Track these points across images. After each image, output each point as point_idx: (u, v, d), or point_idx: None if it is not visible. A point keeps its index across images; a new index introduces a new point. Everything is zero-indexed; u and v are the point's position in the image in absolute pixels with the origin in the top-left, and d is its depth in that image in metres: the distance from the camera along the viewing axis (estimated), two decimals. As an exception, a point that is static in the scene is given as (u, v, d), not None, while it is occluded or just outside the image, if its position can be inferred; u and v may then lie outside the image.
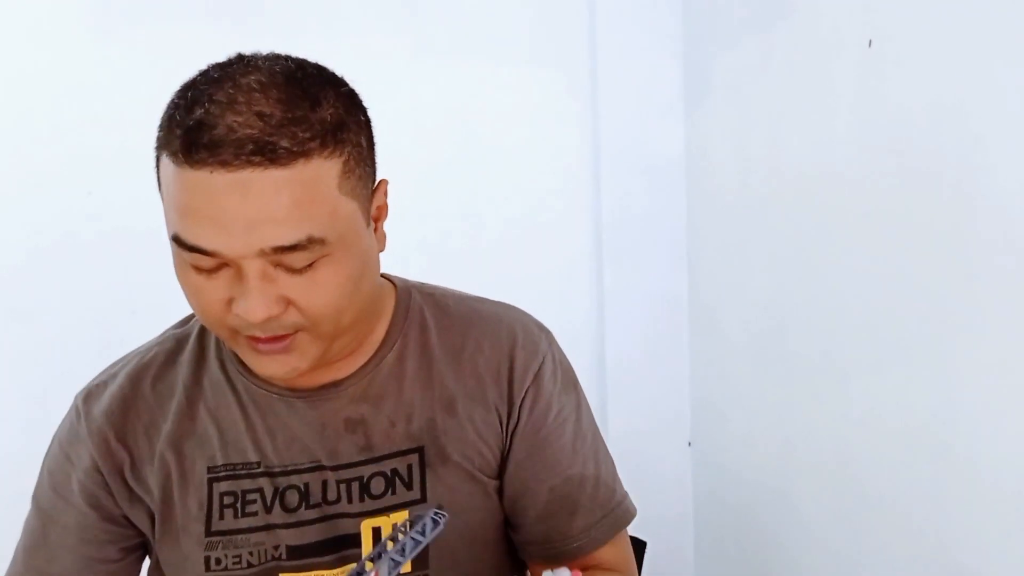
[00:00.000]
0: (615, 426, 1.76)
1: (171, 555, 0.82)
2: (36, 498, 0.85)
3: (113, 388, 0.84)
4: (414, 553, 0.70)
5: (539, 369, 0.86)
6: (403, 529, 0.72)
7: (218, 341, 0.84)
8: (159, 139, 0.69)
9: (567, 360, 0.92)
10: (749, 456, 1.64)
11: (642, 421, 1.79)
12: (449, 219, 1.69)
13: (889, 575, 1.24)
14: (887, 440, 1.23)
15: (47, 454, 0.86)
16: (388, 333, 0.85)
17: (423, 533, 0.71)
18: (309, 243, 0.68)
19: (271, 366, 0.74)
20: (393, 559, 0.69)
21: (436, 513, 0.72)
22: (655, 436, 1.80)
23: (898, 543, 1.22)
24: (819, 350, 1.38)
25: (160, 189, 0.71)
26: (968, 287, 1.06)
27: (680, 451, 1.82)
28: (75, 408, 0.85)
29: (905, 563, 1.20)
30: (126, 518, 0.83)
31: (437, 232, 1.67)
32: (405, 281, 0.90)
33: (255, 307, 0.68)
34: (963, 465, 1.09)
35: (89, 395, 0.85)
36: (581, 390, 0.92)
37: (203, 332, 0.86)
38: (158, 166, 0.70)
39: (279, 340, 0.72)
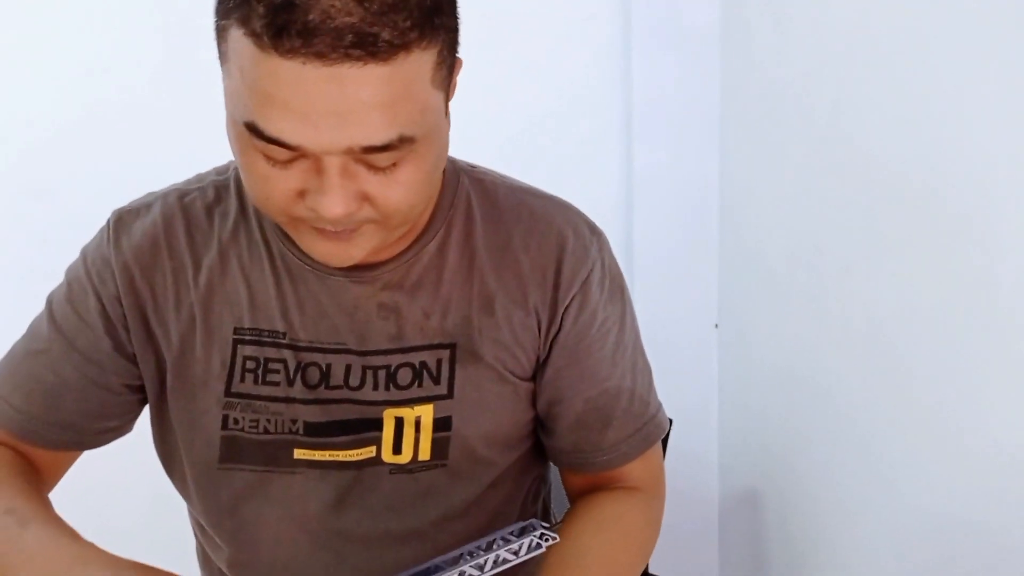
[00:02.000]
0: (641, 307, 1.74)
1: (186, 408, 0.81)
2: (51, 305, 0.83)
3: (146, 223, 0.81)
4: (495, 571, 0.66)
5: (587, 277, 0.83)
6: (503, 536, 0.68)
7: None
8: (227, 7, 0.62)
9: (617, 266, 0.88)
10: (776, 338, 1.62)
11: (669, 302, 1.77)
12: (470, 93, 1.63)
13: (920, 454, 1.24)
14: (920, 322, 1.21)
15: (72, 265, 0.83)
16: (432, 219, 0.82)
17: (517, 552, 0.67)
18: (400, 143, 0.64)
19: (331, 251, 0.71)
20: (465, 572, 0.66)
21: (544, 535, 0.68)
22: (681, 317, 1.79)
23: (931, 422, 1.21)
24: (854, 230, 1.34)
25: (224, 62, 0.64)
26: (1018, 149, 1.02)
27: (706, 333, 1.81)
28: (107, 228, 0.82)
29: (939, 440, 1.19)
30: (135, 357, 0.81)
31: (457, 106, 1.62)
32: (454, 162, 0.86)
33: (334, 204, 0.65)
34: (1001, 337, 1.06)
35: (121, 220, 0.82)
36: (628, 298, 0.89)
37: (242, 187, 0.82)
38: (224, 36, 0.63)
39: (345, 229, 0.69)
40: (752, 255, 1.68)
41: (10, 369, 0.82)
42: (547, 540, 0.68)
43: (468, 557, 0.67)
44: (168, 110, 1.50)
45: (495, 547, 0.67)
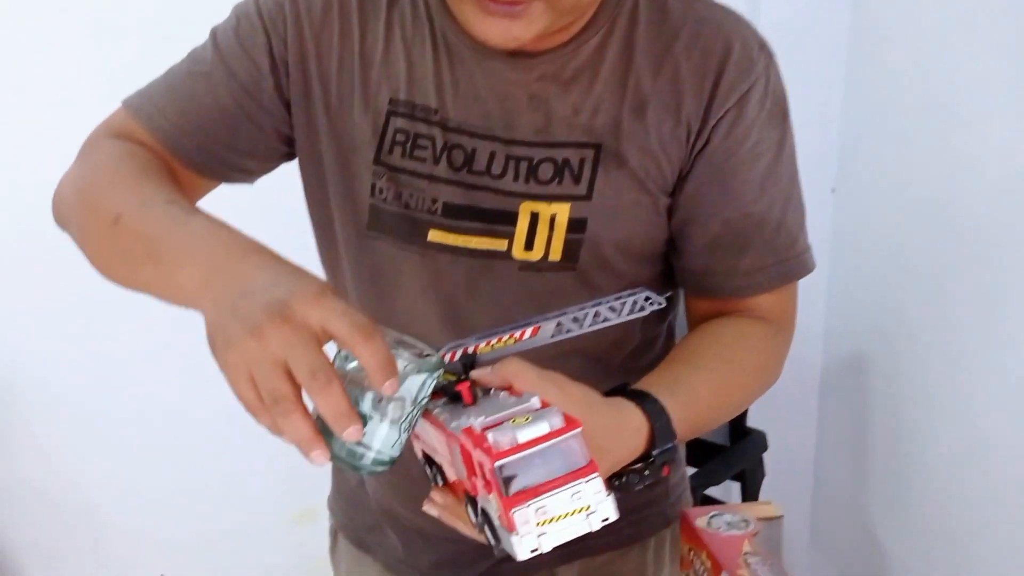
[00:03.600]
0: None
1: (339, 171, 0.83)
2: (216, 35, 0.84)
3: None
4: (592, 327, 0.65)
5: (747, 91, 0.79)
6: (608, 302, 0.66)
7: None
8: None
9: (783, 89, 0.83)
10: (893, 205, 1.57)
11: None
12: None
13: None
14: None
15: (241, 3, 0.84)
16: (596, 16, 0.79)
17: (617, 311, 0.65)
18: None
19: (494, 29, 0.71)
20: (563, 323, 0.65)
21: (648, 298, 0.66)
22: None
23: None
24: (985, 97, 1.26)
25: None
26: None
27: (823, 197, 1.75)
28: None
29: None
30: (289, 105, 0.83)
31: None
32: None
33: None
34: None
35: None
36: (790, 127, 0.84)
37: None
38: None
39: (514, 3, 0.69)
40: (874, 118, 1.60)
41: (169, 86, 0.84)
42: (651, 303, 0.66)
43: (561, 316, 0.67)
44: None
45: (600, 307, 0.66)
